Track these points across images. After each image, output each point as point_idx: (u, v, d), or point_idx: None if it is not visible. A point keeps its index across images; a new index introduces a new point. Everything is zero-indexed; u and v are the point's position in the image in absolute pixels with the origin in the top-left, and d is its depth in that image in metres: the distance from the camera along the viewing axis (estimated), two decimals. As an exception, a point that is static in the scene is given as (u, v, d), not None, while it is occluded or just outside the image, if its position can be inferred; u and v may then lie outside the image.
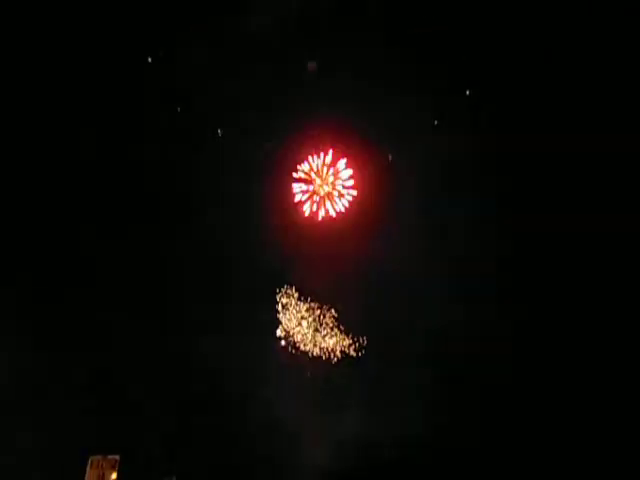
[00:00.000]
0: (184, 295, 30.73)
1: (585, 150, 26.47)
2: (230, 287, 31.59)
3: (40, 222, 28.55)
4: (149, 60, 28.39)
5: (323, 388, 31.07)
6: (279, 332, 32.94)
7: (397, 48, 28.46)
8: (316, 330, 33.05)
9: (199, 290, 30.91)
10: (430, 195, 30.65)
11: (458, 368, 29.18)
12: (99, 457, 23.29)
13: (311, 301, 33.26)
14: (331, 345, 32.74)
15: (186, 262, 30.89)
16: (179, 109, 29.81)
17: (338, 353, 32.55)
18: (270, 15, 27.20)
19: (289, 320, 33.05)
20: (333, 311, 33.20)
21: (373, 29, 28.49)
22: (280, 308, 33.12)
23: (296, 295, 33.26)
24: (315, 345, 32.88)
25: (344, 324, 32.54)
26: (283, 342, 32.72)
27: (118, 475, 23.21)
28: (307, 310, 33.28)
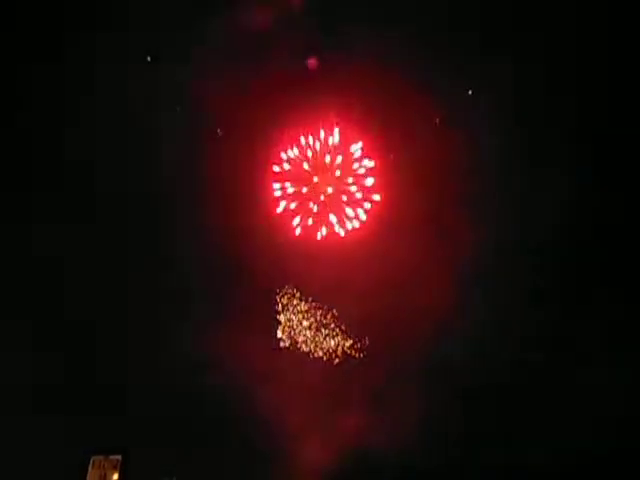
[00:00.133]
0: (184, 295, 30.26)
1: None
2: (230, 287, 30.49)
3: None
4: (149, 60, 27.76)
5: (323, 388, 30.02)
6: (279, 333, 29.36)
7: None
8: (317, 331, 28.58)
9: (199, 290, 30.43)
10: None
11: (461, 371, 28.53)
12: (101, 457, 23.77)
13: (312, 301, 29.12)
14: (332, 346, 28.49)
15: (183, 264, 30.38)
16: (178, 109, 28.86)
17: (339, 354, 28.72)
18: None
19: (289, 320, 29.27)
20: (334, 311, 28.87)
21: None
22: (280, 308, 29.44)
23: (297, 295, 29.14)
24: (317, 346, 28.32)
25: (345, 325, 30.13)
26: (283, 343, 29.53)
27: (120, 475, 23.60)
28: (308, 310, 28.97)
